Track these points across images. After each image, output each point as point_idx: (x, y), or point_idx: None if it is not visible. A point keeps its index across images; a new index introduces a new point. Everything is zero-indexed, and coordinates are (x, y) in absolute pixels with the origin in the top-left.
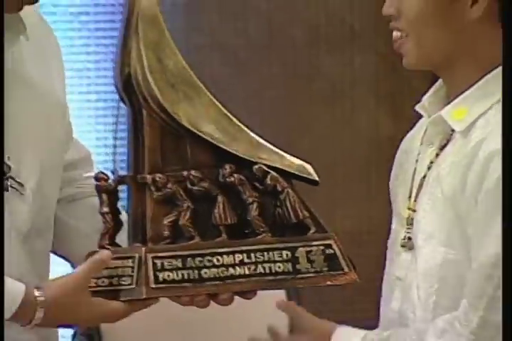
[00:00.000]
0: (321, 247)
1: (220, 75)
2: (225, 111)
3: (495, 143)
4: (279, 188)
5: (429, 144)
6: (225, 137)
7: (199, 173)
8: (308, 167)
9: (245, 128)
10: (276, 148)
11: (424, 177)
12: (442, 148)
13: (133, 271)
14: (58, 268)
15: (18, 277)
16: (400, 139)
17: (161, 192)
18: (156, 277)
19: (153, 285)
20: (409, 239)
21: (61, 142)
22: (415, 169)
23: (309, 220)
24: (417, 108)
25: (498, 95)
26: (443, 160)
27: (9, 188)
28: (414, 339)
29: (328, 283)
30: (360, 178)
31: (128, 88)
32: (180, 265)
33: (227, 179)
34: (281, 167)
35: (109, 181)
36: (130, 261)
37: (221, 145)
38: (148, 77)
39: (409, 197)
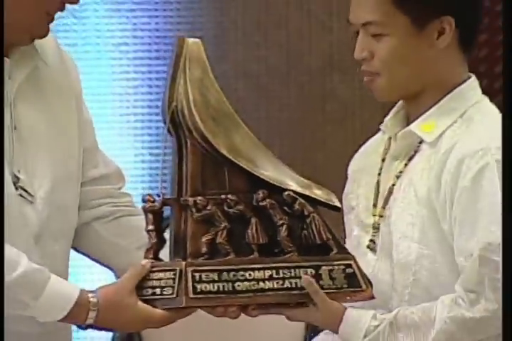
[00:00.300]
0: (342, 266)
1: (244, 99)
2: (259, 142)
3: (465, 148)
4: (305, 213)
5: (395, 158)
6: (258, 165)
7: (235, 197)
8: (332, 195)
9: (276, 159)
10: (294, 162)
11: (393, 185)
12: (410, 159)
13: (174, 283)
14: (101, 275)
15: None
16: None
17: (201, 213)
18: (194, 288)
19: (192, 296)
20: (374, 242)
21: (76, 157)
22: (378, 181)
23: (332, 242)
24: (382, 127)
25: (462, 110)
26: (413, 168)
27: (23, 197)
28: (420, 317)
29: (347, 298)
30: None
31: (174, 120)
32: (216, 278)
33: (260, 203)
34: (308, 194)
35: (155, 203)
36: (172, 273)
37: (255, 173)
38: (193, 110)
39: (374, 205)
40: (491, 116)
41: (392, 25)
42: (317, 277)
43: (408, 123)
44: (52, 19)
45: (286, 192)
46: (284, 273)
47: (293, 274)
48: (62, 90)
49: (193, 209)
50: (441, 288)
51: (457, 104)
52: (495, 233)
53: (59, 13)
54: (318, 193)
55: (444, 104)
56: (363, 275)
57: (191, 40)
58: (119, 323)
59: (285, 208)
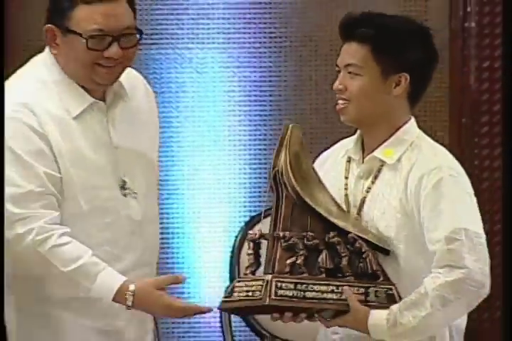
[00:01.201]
0: (385, 289)
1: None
2: (333, 197)
3: (422, 168)
4: (363, 250)
5: (361, 177)
6: (331, 214)
7: (313, 234)
8: (386, 240)
9: (343, 210)
10: None
11: (365, 197)
12: (375, 177)
13: (262, 288)
14: None
15: (122, 251)
16: None
17: (287, 243)
18: (276, 292)
19: (273, 297)
20: None
21: (155, 168)
22: (347, 194)
23: (379, 272)
24: (348, 153)
25: (410, 141)
26: (381, 185)
27: (127, 195)
28: (415, 296)
29: None
30: None
31: (276, 179)
32: (292, 287)
33: (331, 240)
34: (365, 237)
35: (256, 235)
36: (261, 282)
37: (329, 218)
38: (289, 173)
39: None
40: (433, 144)
41: (366, 70)
42: (365, 294)
43: (364, 151)
44: (110, 68)
45: (350, 234)
46: (342, 289)
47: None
48: (147, 123)
49: (282, 240)
50: (417, 274)
51: (407, 136)
52: (455, 224)
53: (184, 67)
54: (371, 237)
55: (397, 136)
56: (400, 297)
57: (292, 125)
58: (148, 307)
59: (348, 246)
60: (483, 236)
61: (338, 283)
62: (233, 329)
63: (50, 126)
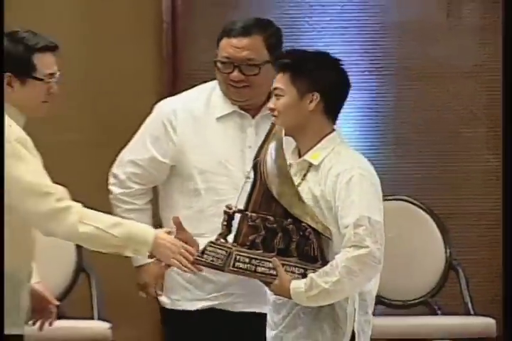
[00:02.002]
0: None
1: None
2: (297, 192)
3: (339, 168)
4: (310, 237)
5: (294, 175)
6: (291, 205)
7: (274, 219)
8: (328, 229)
9: (304, 203)
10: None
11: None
12: (304, 175)
13: (224, 257)
14: None
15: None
16: None
17: (253, 222)
18: (234, 264)
19: (231, 268)
20: None
21: None
22: None
23: (319, 257)
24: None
25: (332, 147)
26: (308, 181)
27: (247, 180)
28: (329, 267)
29: None
30: None
31: (256, 167)
32: (247, 261)
33: (286, 226)
34: (314, 227)
35: (232, 210)
36: (225, 252)
37: (289, 209)
38: (268, 166)
39: None
40: (350, 151)
41: (286, 92)
42: (303, 275)
43: (300, 155)
44: (237, 89)
45: (303, 223)
46: (285, 267)
47: (291, 268)
48: None
49: (249, 219)
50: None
51: (329, 144)
52: (360, 213)
53: None
54: (319, 226)
55: (322, 144)
56: None
57: (278, 126)
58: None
59: (300, 232)
60: (382, 222)
61: (284, 262)
62: None
63: (187, 115)
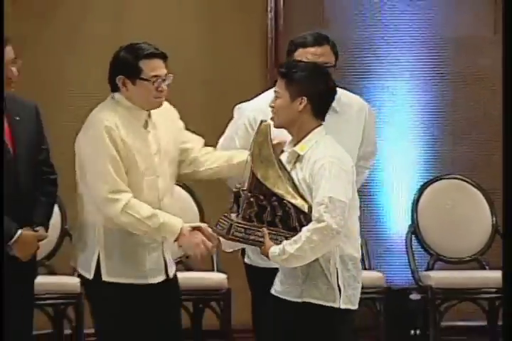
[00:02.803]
0: (291, 237)
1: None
2: (281, 175)
3: (316, 156)
4: (290, 212)
5: (289, 162)
6: (276, 186)
7: (263, 197)
8: (306, 204)
9: (286, 182)
10: None
11: (291, 176)
12: (295, 163)
13: (226, 226)
14: None
15: None
16: None
17: (248, 200)
18: (232, 233)
19: (230, 236)
20: None
21: (356, 148)
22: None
23: (298, 228)
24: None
25: (315, 140)
26: (296, 169)
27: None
28: (296, 236)
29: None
30: None
31: (253, 159)
32: (243, 231)
33: (273, 203)
34: (294, 203)
35: (238, 189)
36: (228, 223)
37: (272, 190)
38: (255, 155)
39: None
40: (330, 143)
41: (282, 95)
42: (279, 241)
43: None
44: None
45: (284, 201)
46: (271, 235)
47: (275, 237)
48: (352, 127)
49: (246, 198)
50: None
51: (314, 137)
52: (325, 194)
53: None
54: (298, 202)
55: (309, 137)
56: None
57: (264, 122)
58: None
59: (286, 207)
60: (344, 201)
61: (271, 232)
62: (414, 250)
63: (265, 117)
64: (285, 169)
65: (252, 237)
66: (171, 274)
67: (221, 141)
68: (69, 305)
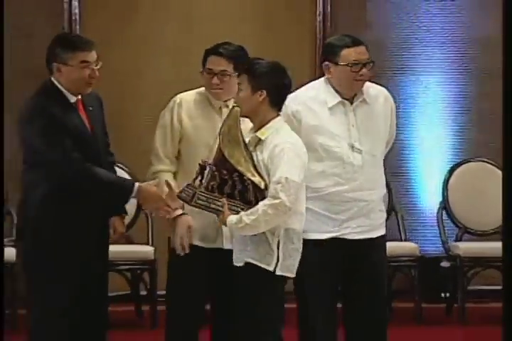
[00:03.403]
0: (248, 209)
1: None
2: (245, 154)
3: (275, 142)
4: (248, 187)
5: (251, 145)
6: (239, 163)
7: (226, 172)
8: (263, 182)
9: (249, 161)
10: None
11: (252, 157)
12: (256, 146)
13: (190, 194)
14: None
15: None
16: None
17: (212, 173)
18: (195, 201)
19: (193, 203)
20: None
21: (381, 141)
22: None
23: (253, 201)
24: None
25: (275, 127)
26: (257, 151)
27: (354, 151)
28: (253, 209)
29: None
30: None
31: (222, 138)
32: (204, 199)
33: (234, 177)
34: (253, 180)
35: (202, 163)
36: (192, 191)
37: (235, 166)
38: (220, 137)
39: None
40: (287, 131)
41: (244, 88)
42: (236, 212)
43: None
44: (358, 82)
45: (244, 177)
46: (230, 205)
47: (233, 207)
48: (379, 119)
49: (211, 171)
50: None
51: (273, 125)
52: (281, 174)
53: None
54: (256, 179)
55: (269, 124)
56: None
57: (235, 108)
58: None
59: (242, 183)
60: (298, 182)
61: (229, 203)
62: (444, 224)
63: (305, 110)
64: (248, 150)
65: (212, 206)
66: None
67: None
68: (144, 271)
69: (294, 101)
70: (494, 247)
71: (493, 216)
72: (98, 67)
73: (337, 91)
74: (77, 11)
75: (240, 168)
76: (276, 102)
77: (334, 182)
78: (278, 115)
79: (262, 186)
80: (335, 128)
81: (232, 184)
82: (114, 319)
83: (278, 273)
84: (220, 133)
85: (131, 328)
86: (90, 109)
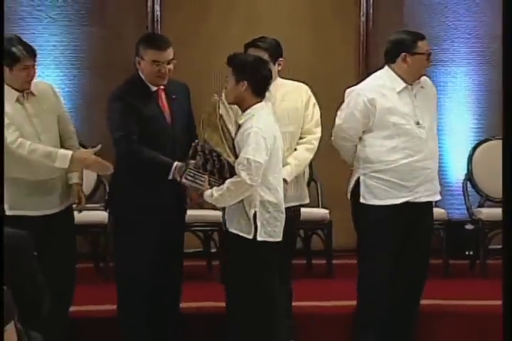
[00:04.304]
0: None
1: None
2: (222, 137)
3: (246, 126)
4: (225, 166)
5: (235, 130)
6: (217, 145)
7: (208, 152)
8: (235, 161)
9: (226, 143)
10: None
11: (232, 139)
12: (237, 131)
13: (183, 171)
14: None
15: None
16: None
17: (199, 153)
18: (185, 177)
19: (183, 180)
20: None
21: (433, 119)
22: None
23: (228, 178)
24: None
25: (252, 113)
26: (237, 135)
27: (419, 127)
28: (223, 184)
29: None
30: None
31: (202, 123)
32: (192, 175)
33: (213, 157)
34: (228, 160)
35: (195, 144)
36: (183, 169)
37: (213, 148)
38: (201, 123)
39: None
40: (260, 117)
41: (230, 79)
42: (214, 184)
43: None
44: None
45: (221, 157)
46: (210, 181)
47: (213, 183)
48: (431, 100)
49: (198, 152)
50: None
51: (251, 111)
52: (245, 155)
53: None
54: (231, 160)
55: (248, 111)
56: None
57: (214, 97)
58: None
59: (220, 162)
60: (260, 162)
61: (210, 179)
62: (468, 192)
63: (379, 96)
64: (229, 134)
65: (197, 181)
66: None
67: (341, 118)
68: (214, 231)
69: (366, 90)
70: None
71: None
72: (170, 65)
73: (401, 79)
74: (158, 13)
75: (217, 149)
76: (258, 91)
77: (405, 155)
78: (258, 102)
79: (236, 166)
80: (404, 109)
81: (213, 162)
82: (188, 273)
83: (259, 239)
84: (200, 119)
85: (202, 280)
86: (173, 97)
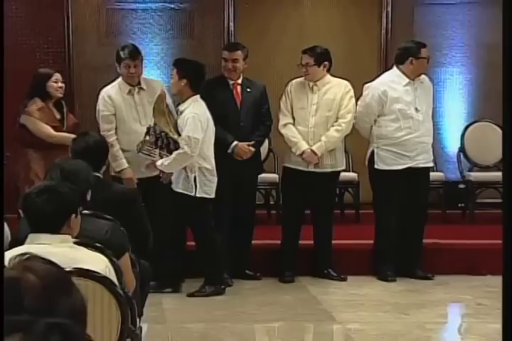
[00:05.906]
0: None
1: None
2: (167, 121)
3: (185, 113)
4: (171, 142)
5: (179, 115)
6: (166, 126)
7: (159, 132)
8: (179, 138)
9: (170, 125)
10: None
11: (175, 122)
12: (179, 115)
13: (141, 146)
14: None
15: None
16: None
17: (154, 133)
18: (142, 151)
19: (140, 153)
20: None
21: (429, 107)
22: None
23: (173, 150)
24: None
25: (190, 103)
26: (179, 118)
27: (417, 112)
28: (171, 155)
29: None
30: None
31: (154, 111)
32: (148, 149)
33: (162, 136)
34: (173, 137)
35: (150, 125)
36: (141, 144)
37: (163, 129)
38: (154, 110)
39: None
40: (196, 105)
41: (174, 76)
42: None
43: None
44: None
45: (168, 135)
46: (161, 154)
47: (163, 156)
48: (428, 92)
49: (152, 131)
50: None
51: (190, 101)
52: (186, 134)
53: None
54: (175, 137)
55: (187, 101)
56: None
57: (162, 90)
58: None
59: (168, 139)
60: (197, 138)
61: (161, 153)
62: (461, 160)
63: (390, 89)
64: (173, 118)
65: (153, 155)
66: None
67: (361, 106)
68: (272, 189)
69: (380, 85)
70: (494, 175)
71: (493, 155)
72: (237, 64)
73: (406, 76)
74: (232, 28)
75: (165, 129)
76: (195, 86)
77: (407, 132)
78: (195, 94)
79: (179, 141)
80: (407, 98)
81: (161, 139)
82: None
83: (198, 195)
84: (153, 107)
85: (264, 224)
86: (248, 90)
